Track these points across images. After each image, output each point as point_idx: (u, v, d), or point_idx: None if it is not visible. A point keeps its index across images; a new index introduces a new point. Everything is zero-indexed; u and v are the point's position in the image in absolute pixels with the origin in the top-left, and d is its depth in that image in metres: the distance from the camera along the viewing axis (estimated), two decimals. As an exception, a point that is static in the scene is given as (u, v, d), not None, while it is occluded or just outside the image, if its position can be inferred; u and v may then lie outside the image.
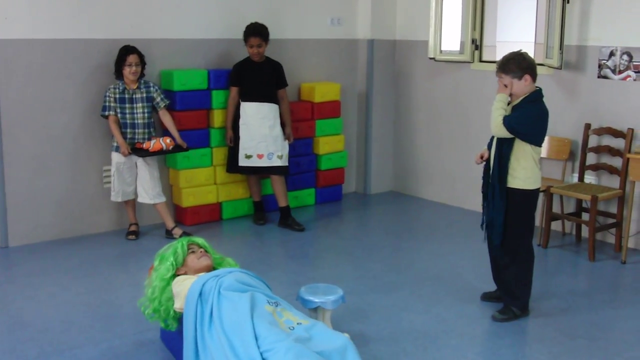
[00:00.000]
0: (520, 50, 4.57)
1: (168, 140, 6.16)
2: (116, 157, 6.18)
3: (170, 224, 6.34)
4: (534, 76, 4.48)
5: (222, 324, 3.51)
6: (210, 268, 4.03)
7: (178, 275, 3.99)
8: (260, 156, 6.59)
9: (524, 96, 4.48)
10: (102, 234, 6.49)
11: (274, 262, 5.88)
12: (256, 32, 6.53)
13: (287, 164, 6.75)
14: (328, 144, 7.53)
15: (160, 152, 6.17)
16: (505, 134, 4.45)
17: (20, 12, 5.93)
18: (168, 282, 3.95)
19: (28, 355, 4.13)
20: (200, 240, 4.18)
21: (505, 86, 4.47)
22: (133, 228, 6.42)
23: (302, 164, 7.37)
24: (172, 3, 6.67)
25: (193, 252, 4.06)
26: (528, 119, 4.45)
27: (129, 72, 6.04)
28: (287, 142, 6.73)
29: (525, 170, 4.51)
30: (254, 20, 6.63)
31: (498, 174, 4.53)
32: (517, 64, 4.43)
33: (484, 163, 4.73)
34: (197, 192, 6.72)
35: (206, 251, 4.11)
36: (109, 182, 6.40)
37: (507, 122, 4.42)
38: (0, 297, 5.06)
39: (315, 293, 4.18)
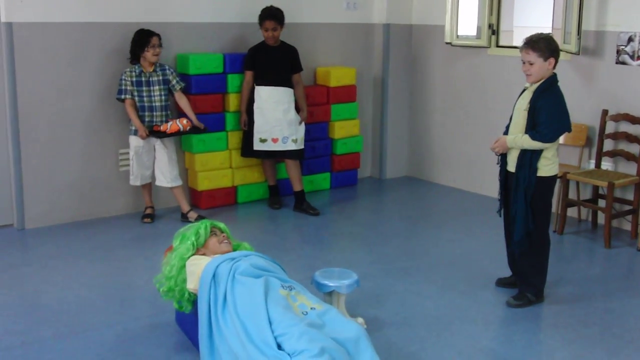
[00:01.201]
0: (549, 33, 4.55)
1: (185, 121, 6.17)
2: (134, 140, 6.19)
3: (185, 207, 6.36)
4: (557, 61, 4.45)
5: (235, 308, 3.52)
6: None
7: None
8: (275, 140, 6.58)
9: (541, 80, 4.45)
10: (117, 217, 6.52)
11: (288, 246, 5.89)
12: (272, 15, 6.52)
13: (302, 147, 6.74)
14: (343, 129, 7.52)
15: (177, 133, 6.18)
16: (541, 146, 4.44)
17: (36, -5, 5.95)
18: (186, 262, 3.95)
19: (43, 336, 4.17)
20: (222, 225, 4.19)
21: (531, 64, 4.42)
22: (149, 211, 6.45)
23: (318, 148, 7.36)
24: (188, -14, 6.67)
25: (215, 234, 4.07)
26: (552, 121, 4.40)
27: (152, 54, 6.04)
28: (302, 125, 6.71)
29: (546, 158, 4.49)
30: (269, 4, 6.61)
31: (521, 165, 4.49)
32: (546, 45, 4.41)
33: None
34: (212, 176, 6.73)
35: (228, 237, 4.12)
36: (125, 166, 6.43)
37: (540, 136, 4.40)
38: (16, 278, 5.11)
39: (330, 277, 4.19)
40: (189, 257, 3.95)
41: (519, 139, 4.47)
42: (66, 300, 4.70)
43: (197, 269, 3.80)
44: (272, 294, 3.57)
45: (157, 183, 6.34)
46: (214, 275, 3.69)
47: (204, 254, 3.99)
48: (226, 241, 4.06)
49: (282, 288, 3.66)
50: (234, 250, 4.12)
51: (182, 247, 3.99)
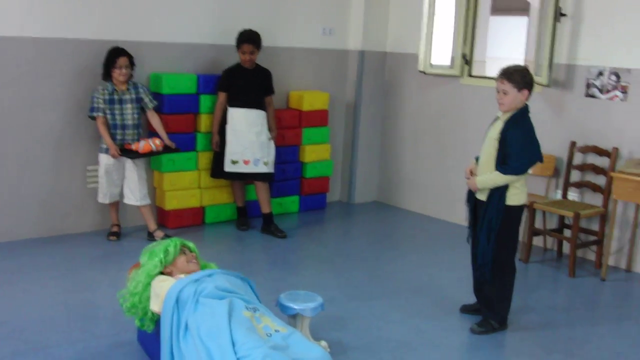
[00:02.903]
0: (525, 65, 4.61)
1: (157, 141, 6.16)
2: (105, 158, 6.15)
3: (152, 226, 6.32)
4: (530, 93, 4.51)
5: (198, 331, 3.49)
6: None
7: (163, 274, 3.97)
8: (246, 162, 6.58)
9: (513, 111, 4.50)
10: (83, 233, 6.46)
11: (255, 268, 5.86)
12: (250, 39, 6.54)
13: (272, 170, 6.74)
14: (314, 152, 7.54)
15: (150, 154, 6.15)
16: (513, 179, 4.49)
17: (10, 9, 5.91)
18: (153, 279, 3.93)
19: (2, 353, 4.10)
20: (191, 244, 4.16)
21: (505, 93, 4.47)
22: (115, 229, 6.40)
23: (288, 171, 7.36)
24: (164, 7, 6.67)
25: (184, 253, 4.04)
26: (523, 153, 4.46)
27: (118, 74, 6.02)
28: (273, 148, 6.71)
29: (515, 187, 4.53)
30: (245, 27, 6.64)
31: (491, 194, 4.53)
32: (521, 76, 4.47)
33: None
34: (180, 196, 6.70)
35: (196, 257, 4.10)
36: (94, 182, 6.39)
37: (511, 169, 4.45)
38: (-23, 293, 5.04)
39: (295, 300, 4.18)
40: (155, 275, 3.92)
41: (490, 179, 4.50)
42: (27, 316, 4.63)
43: (161, 291, 3.76)
44: (236, 315, 3.54)
45: (126, 201, 6.30)
46: (177, 300, 3.65)
47: (170, 272, 3.96)
48: (194, 261, 4.02)
49: (246, 309, 3.64)
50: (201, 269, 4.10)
51: (150, 263, 3.95)
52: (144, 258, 4.03)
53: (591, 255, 6.32)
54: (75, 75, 6.27)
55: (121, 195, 6.33)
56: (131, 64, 6.13)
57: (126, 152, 6.10)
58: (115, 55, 6.03)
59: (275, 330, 3.54)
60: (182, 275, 3.88)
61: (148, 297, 3.87)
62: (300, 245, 6.58)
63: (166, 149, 6.27)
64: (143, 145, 6.09)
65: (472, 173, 4.74)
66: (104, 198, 6.28)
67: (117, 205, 6.40)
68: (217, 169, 6.70)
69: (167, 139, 6.27)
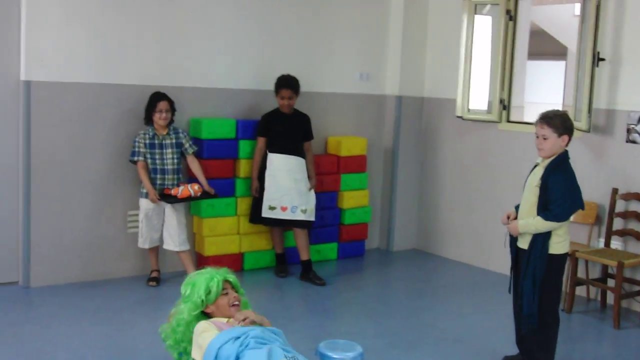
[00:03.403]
0: (564, 110, 4.59)
1: (196, 187, 6.20)
2: (145, 203, 6.21)
3: (192, 272, 6.30)
4: (570, 138, 4.48)
5: None
6: None
7: (206, 312, 3.89)
8: (283, 209, 6.59)
9: (553, 157, 4.46)
10: (123, 278, 6.49)
11: (293, 316, 5.83)
12: (288, 84, 6.60)
13: (311, 218, 6.73)
14: (352, 199, 7.52)
15: (188, 199, 6.19)
16: (555, 226, 4.44)
17: (56, 56, 6.05)
18: (195, 318, 3.85)
19: (43, 399, 4.11)
20: (233, 277, 4.00)
21: (545, 138, 4.44)
22: (154, 274, 6.42)
23: (326, 217, 7.34)
24: (204, 53, 6.77)
25: (226, 294, 3.89)
26: (565, 199, 4.42)
27: (158, 118, 6.11)
28: (313, 195, 6.72)
29: (558, 235, 4.47)
30: (283, 73, 6.70)
31: (534, 242, 4.48)
32: (562, 121, 4.44)
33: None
34: (219, 241, 6.71)
35: (238, 295, 3.97)
36: (134, 227, 6.43)
37: (553, 216, 4.40)
38: (18, 336, 5.06)
39: (334, 349, 4.12)
40: (197, 315, 3.86)
41: (532, 224, 4.45)
42: (67, 361, 4.65)
43: (204, 342, 3.69)
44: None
45: (165, 246, 6.33)
46: (216, 357, 3.58)
47: (212, 313, 3.89)
48: (237, 303, 3.91)
49: (285, 358, 3.60)
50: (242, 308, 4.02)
51: (191, 302, 3.86)
52: (186, 289, 3.92)
53: (636, 306, 6.19)
54: (117, 120, 6.36)
55: (161, 240, 6.36)
56: (172, 108, 6.22)
57: (165, 197, 6.15)
58: (156, 99, 6.13)
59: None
60: (224, 320, 3.83)
61: (190, 338, 3.82)
62: (339, 293, 6.54)
63: (205, 195, 6.30)
64: (182, 191, 6.13)
65: (509, 218, 4.69)
66: (143, 243, 6.32)
67: (156, 250, 6.43)
68: (255, 214, 6.72)
69: (206, 185, 6.31)
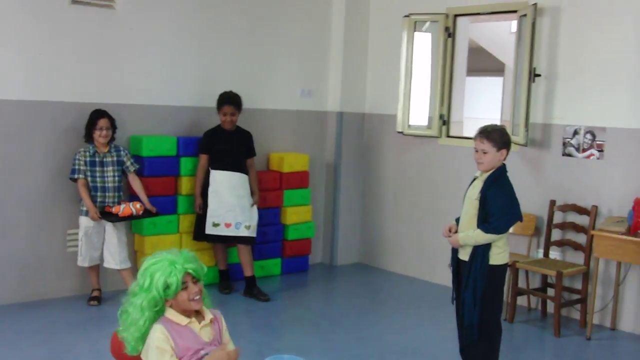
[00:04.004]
0: (502, 124, 4.68)
1: (138, 205, 6.13)
2: (85, 221, 6.11)
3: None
4: (508, 152, 4.56)
5: None
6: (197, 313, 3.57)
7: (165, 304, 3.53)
8: (227, 225, 6.56)
9: (492, 170, 4.54)
10: (63, 298, 6.36)
11: (238, 332, 5.75)
12: (231, 100, 6.59)
13: (254, 234, 6.71)
14: (295, 214, 7.53)
15: (130, 218, 6.12)
16: (495, 238, 4.51)
17: (-9, 74, 5.94)
18: (155, 313, 3.50)
19: (-19, 423, 4.00)
20: (193, 267, 3.54)
21: (485, 153, 4.52)
22: (96, 294, 6.31)
23: (269, 233, 7.34)
24: (144, 69, 6.72)
25: (186, 288, 3.48)
26: (504, 212, 4.49)
27: (99, 135, 6.04)
28: (255, 211, 6.71)
29: (497, 247, 4.54)
30: (224, 89, 6.69)
31: (474, 254, 4.54)
32: (500, 136, 4.52)
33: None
34: (162, 259, 6.63)
35: (199, 288, 3.53)
36: (73, 246, 6.32)
37: (492, 228, 4.46)
38: (-46, 362, 4.92)
39: (280, 364, 4.12)
40: (155, 311, 3.49)
41: (472, 236, 4.51)
42: (6, 385, 4.54)
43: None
44: None
45: (106, 265, 6.24)
46: None
47: (171, 305, 3.51)
48: (197, 297, 3.50)
49: None
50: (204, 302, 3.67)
51: (149, 296, 3.47)
52: (144, 280, 3.51)
53: (576, 314, 6.32)
54: (55, 138, 6.26)
55: (101, 258, 6.27)
56: (112, 126, 6.15)
57: (106, 215, 6.06)
58: (97, 117, 6.06)
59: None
60: (183, 325, 3.50)
61: (143, 328, 3.48)
62: (283, 309, 6.53)
63: (146, 214, 6.24)
64: (123, 209, 6.06)
65: (450, 231, 4.75)
66: (83, 261, 6.21)
67: (97, 269, 6.33)
68: (199, 231, 6.67)
69: (148, 203, 6.25)
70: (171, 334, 3.42)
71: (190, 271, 3.50)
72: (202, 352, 3.45)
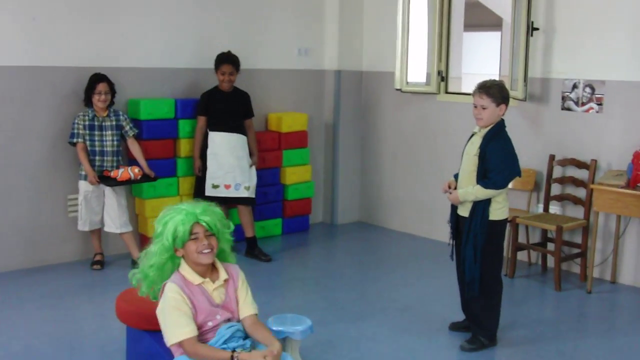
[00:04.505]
0: (501, 80, 4.66)
1: (136, 169, 6.13)
2: (84, 185, 6.12)
3: (136, 253, 6.26)
4: (507, 107, 4.55)
5: None
6: (208, 265, 3.47)
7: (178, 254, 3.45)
8: (227, 186, 6.56)
9: (490, 126, 4.53)
10: (66, 263, 6.39)
11: (241, 293, 5.82)
12: (229, 59, 6.56)
13: (254, 195, 6.72)
14: (295, 174, 7.54)
15: (128, 182, 6.12)
16: (494, 193, 4.51)
17: (-14, 40, 5.90)
18: (168, 260, 3.47)
19: (-11, 388, 4.05)
20: (208, 219, 3.43)
21: (484, 108, 4.50)
22: (98, 258, 6.34)
23: (269, 194, 7.35)
24: (141, 32, 6.67)
25: (195, 239, 3.39)
26: (504, 167, 4.49)
27: (97, 100, 6.03)
28: (254, 172, 6.71)
29: (497, 202, 4.55)
30: (221, 51, 6.65)
31: (474, 210, 4.55)
32: (499, 91, 4.51)
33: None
34: (163, 222, 6.65)
35: (211, 242, 3.43)
36: (74, 211, 6.34)
37: (492, 183, 4.47)
38: (-40, 328, 4.96)
39: (283, 323, 4.14)
40: (168, 257, 3.46)
41: (472, 192, 4.52)
42: (13, 349, 4.57)
43: (166, 330, 3.38)
44: None
45: (106, 229, 6.26)
46: None
47: (183, 256, 3.47)
48: (207, 251, 3.40)
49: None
50: (218, 255, 3.54)
51: (161, 244, 3.42)
52: (158, 226, 3.47)
53: (576, 268, 6.36)
54: (54, 103, 6.24)
55: (102, 223, 6.29)
56: (111, 90, 6.13)
57: (104, 179, 6.07)
58: (95, 81, 6.05)
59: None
60: (195, 277, 3.44)
61: (164, 278, 3.48)
62: (285, 268, 6.57)
63: (145, 178, 6.24)
64: (122, 173, 6.06)
65: (449, 187, 4.75)
66: (83, 225, 6.23)
67: (98, 233, 6.35)
68: (198, 193, 6.67)
69: (146, 168, 6.25)
70: (186, 293, 3.37)
71: (203, 223, 3.40)
72: (218, 317, 3.42)
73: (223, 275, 3.50)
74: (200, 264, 3.42)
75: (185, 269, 3.44)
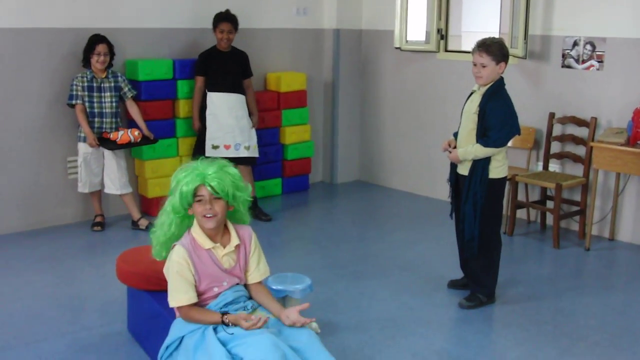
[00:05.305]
0: (500, 38, 4.64)
1: (136, 132, 6.11)
2: (83, 147, 6.11)
3: (136, 215, 6.29)
4: (506, 65, 4.53)
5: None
6: (217, 229, 3.39)
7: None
8: (227, 147, 6.54)
9: (490, 84, 4.51)
10: (67, 225, 6.41)
11: (241, 253, 5.85)
12: (227, 18, 6.51)
13: (255, 154, 6.70)
14: (294, 134, 7.52)
15: (128, 145, 6.11)
16: (494, 151, 4.51)
17: (-19, 1, 5.85)
18: (183, 218, 3.42)
19: (-7, 348, 4.09)
20: (216, 182, 3.29)
21: (484, 66, 4.47)
22: (99, 219, 6.36)
23: (269, 153, 7.35)
24: (137, -9, 6.62)
25: (200, 201, 3.31)
26: (504, 125, 4.48)
27: (96, 61, 5.99)
28: (254, 133, 6.69)
29: (496, 160, 4.55)
30: (219, 10, 6.59)
31: (474, 169, 4.54)
32: (499, 48, 4.48)
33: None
34: (163, 183, 6.65)
35: (216, 209, 3.32)
36: (74, 173, 6.34)
37: (492, 141, 4.46)
38: (-37, 290, 5.00)
39: (283, 282, 4.19)
40: (182, 216, 3.41)
41: (471, 151, 4.51)
42: (15, 311, 4.61)
43: (169, 287, 3.38)
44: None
45: (107, 190, 6.26)
46: (180, 342, 3.39)
47: (192, 213, 3.39)
48: (209, 215, 3.30)
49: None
50: (232, 215, 3.49)
51: (173, 200, 3.35)
52: (172, 182, 3.40)
53: (575, 226, 6.38)
54: (51, 65, 6.20)
55: (102, 184, 6.29)
56: (110, 52, 6.10)
57: (104, 142, 6.06)
58: (95, 42, 6.01)
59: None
60: (206, 242, 3.37)
61: (173, 234, 3.45)
62: (285, 228, 6.59)
63: (145, 140, 6.22)
64: (121, 136, 6.04)
65: (450, 146, 4.74)
66: (83, 187, 6.24)
67: (99, 195, 6.36)
68: (198, 153, 6.66)
69: (146, 130, 6.23)
70: (192, 258, 3.35)
71: (208, 186, 3.30)
72: (225, 284, 3.43)
73: (235, 240, 3.46)
74: (205, 228, 3.37)
75: (196, 231, 3.41)
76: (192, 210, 3.36)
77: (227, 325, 3.25)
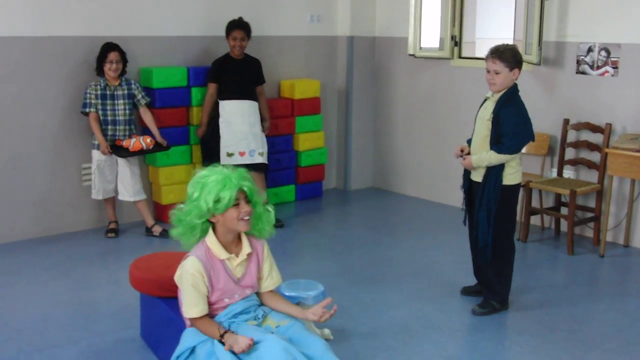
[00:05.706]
0: (514, 44, 4.63)
1: (148, 139, 6.13)
2: (97, 154, 6.14)
3: (150, 221, 6.32)
4: (520, 72, 4.51)
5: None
6: (235, 237, 3.45)
7: (210, 220, 3.38)
8: (242, 154, 6.55)
9: (504, 91, 4.49)
10: (81, 232, 6.45)
11: (254, 259, 5.85)
12: (240, 25, 6.54)
13: (267, 161, 6.72)
14: (308, 141, 7.53)
15: (140, 152, 6.13)
16: (508, 158, 4.50)
17: (-3, 9, 5.90)
18: (196, 226, 3.39)
19: (6, 355, 4.10)
20: (248, 186, 3.38)
21: (497, 73, 4.46)
22: (112, 226, 6.39)
23: (282, 160, 7.36)
24: (152, 0, 6.64)
25: (237, 205, 3.32)
26: (517, 132, 4.46)
27: (109, 69, 6.03)
28: (265, 140, 6.69)
29: (510, 167, 4.53)
30: (233, 17, 6.61)
31: (488, 175, 4.53)
32: (512, 55, 4.47)
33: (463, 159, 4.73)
34: (177, 190, 6.68)
35: (250, 208, 3.38)
36: (88, 180, 6.37)
37: (506, 148, 4.44)
38: (-22, 296, 5.03)
39: (296, 289, 4.19)
40: (200, 222, 3.40)
41: (485, 158, 4.50)
42: (29, 317, 4.63)
43: (185, 297, 3.39)
44: (241, 330, 3.41)
45: (120, 197, 6.29)
46: (191, 352, 3.40)
47: (217, 222, 3.38)
48: (246, 218, 3.35)
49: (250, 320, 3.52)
50: (256, 217, 3.47)
51: (197, 208, 3.32)
52: (193, 190, 3.34)
53: (589, 232, 6.34)
54: (67, 73, 6.25)
55: (115, 191, 6.32)
56: (123, 59, 6.13)
57: (117, 150, 6.08)
58: (107, 50, 6.05)
59: (277, 326, 3.44)
60: (221, 252, 3.40)
61: (187, 236, 3.46)
62: (298, 234, 6.59)
63: (157, 147, 6.24)
64: (134, 143, 6.06)
65: (462, 152, 4.73)
66: (97, 194, 6.27)
67: (113, 201, 6.39)
68: (208, 161, 6.62)
69: (159, 137, 6.25)
70: (206, 269, 3.35)
71: (245, 189, 3.35)
72: (236, 296, 3.44)
73: (246, 249, 3.47)
74: (235, 230, 3.38)
75: (211, 240, 3.40)
76: (222, 216, 3.34)
77: (223, 344, 3.25)
